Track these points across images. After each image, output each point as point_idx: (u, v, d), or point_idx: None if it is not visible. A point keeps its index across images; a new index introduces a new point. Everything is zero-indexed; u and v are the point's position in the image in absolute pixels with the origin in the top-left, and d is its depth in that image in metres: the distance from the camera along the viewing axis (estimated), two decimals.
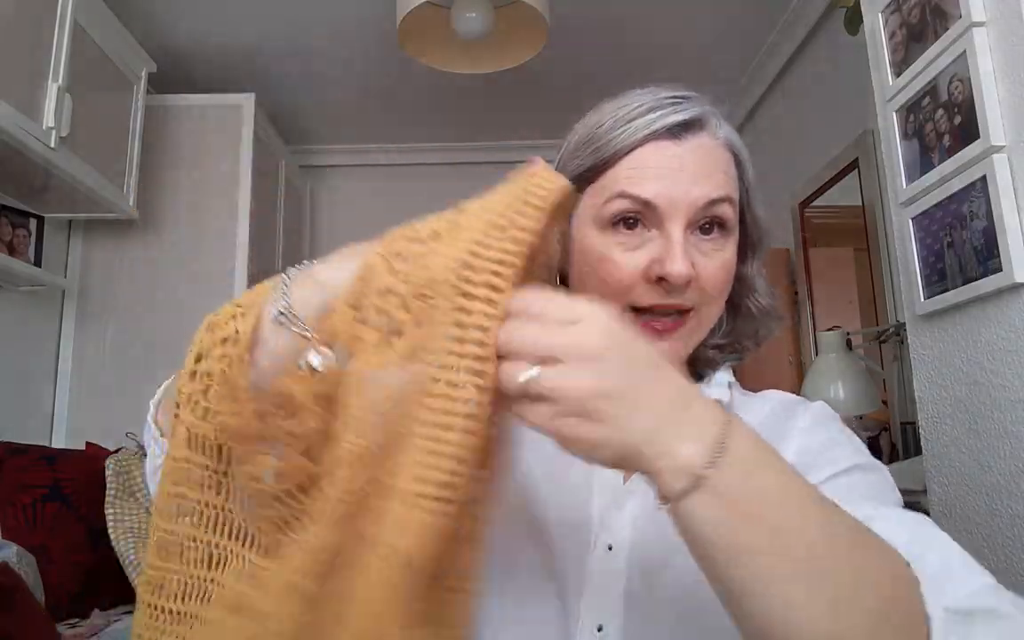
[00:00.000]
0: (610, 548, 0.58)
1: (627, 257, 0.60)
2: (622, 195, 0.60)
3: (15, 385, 2.30)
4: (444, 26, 2.17)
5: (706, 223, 0.61)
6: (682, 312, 0.60)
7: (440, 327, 0.39)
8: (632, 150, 0.61)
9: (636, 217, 0.60)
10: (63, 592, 1.76)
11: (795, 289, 2.77)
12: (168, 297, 2.59)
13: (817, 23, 2.56)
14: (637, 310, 0.60)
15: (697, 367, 0.70)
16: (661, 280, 0.58)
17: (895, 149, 1.30)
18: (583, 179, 0.63)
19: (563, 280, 0.67)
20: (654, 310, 0.60)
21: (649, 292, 0.60)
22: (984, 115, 1.07)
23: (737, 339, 0.70)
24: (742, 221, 0.66)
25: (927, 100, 1.21)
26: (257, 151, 2.76)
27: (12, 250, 2.16)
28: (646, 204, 0.59)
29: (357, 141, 3.74)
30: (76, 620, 1.75)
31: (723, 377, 0.69)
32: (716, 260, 0.61)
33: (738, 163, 0.65)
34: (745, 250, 0.68)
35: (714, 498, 0.37)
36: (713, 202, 0.60)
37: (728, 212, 0.61)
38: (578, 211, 0.64)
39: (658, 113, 0.61)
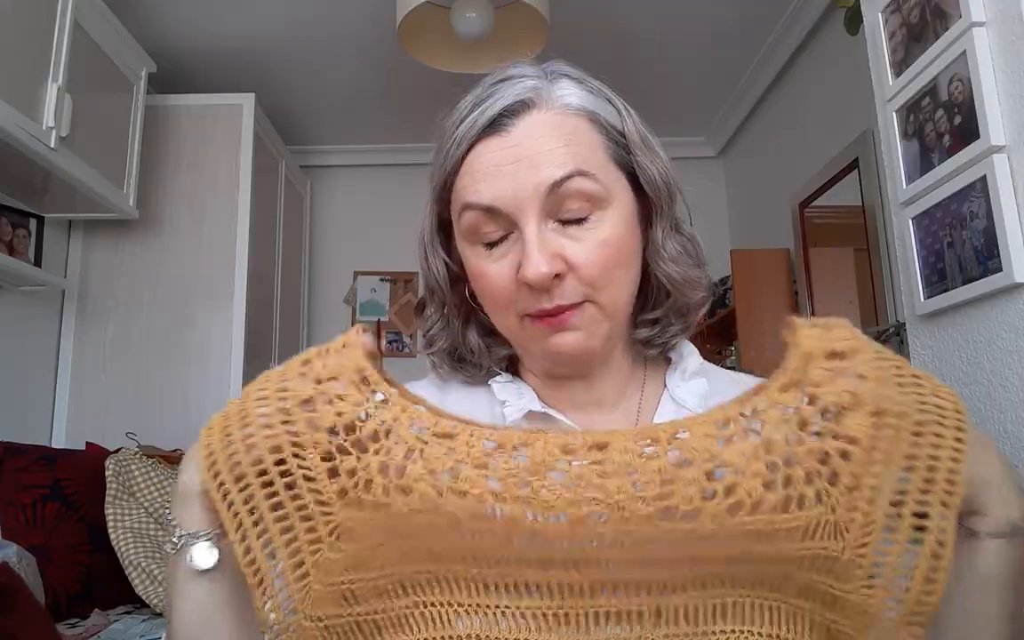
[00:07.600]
0: None
1: (497, 268, 0.56)
2: (466, 207, 0.57)
3: (15, 385, 2.30)
4: (444, 26, 2.17)
5: (572, 205, 0.55)
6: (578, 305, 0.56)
7: None
8: (465, 156, 0.57)
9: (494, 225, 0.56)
10: (63, 592, 1.76)
11: (795, 289, 2.77)
12: (168, 297, 2.59)
13: (817, 23, 2.56)
14: (533, 315, 0.56)
15: (642, 350, 0.65)
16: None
17: (895, 149, 1.30)
18: (442, 199, 0.61)
19: (474, 297, 0.63)
20: (545, 315, 0.56)
21: (531, 298, 0.55)
22: (984, 115, 1.07)
23: (668, 314, 0.63)
24: (637, 183, 0.60)
25: (927, 100, 1.21)
26: (257, 151, 2.76)
27: (12, 250, 2.16)
28: (489, 210, 0.55)
29: (357, 141, 3.74)
30: (76, 620, 1.75)
31: (694, 363, 0.64)
32: (591, 241, 0.55)
33: (597, 123, 0.58)
34: (649, 213, 0.61)
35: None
36: (559, 183, 0.54)
37: (587, 186, 0.55)
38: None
39: (480, 108, 0.57)
